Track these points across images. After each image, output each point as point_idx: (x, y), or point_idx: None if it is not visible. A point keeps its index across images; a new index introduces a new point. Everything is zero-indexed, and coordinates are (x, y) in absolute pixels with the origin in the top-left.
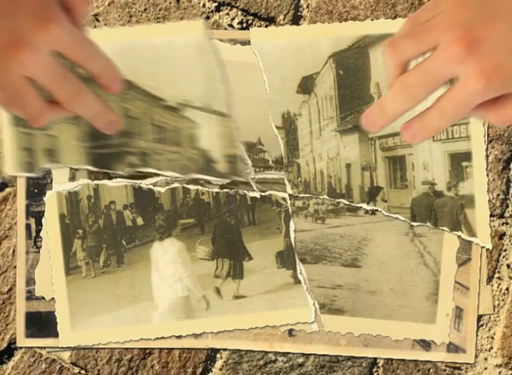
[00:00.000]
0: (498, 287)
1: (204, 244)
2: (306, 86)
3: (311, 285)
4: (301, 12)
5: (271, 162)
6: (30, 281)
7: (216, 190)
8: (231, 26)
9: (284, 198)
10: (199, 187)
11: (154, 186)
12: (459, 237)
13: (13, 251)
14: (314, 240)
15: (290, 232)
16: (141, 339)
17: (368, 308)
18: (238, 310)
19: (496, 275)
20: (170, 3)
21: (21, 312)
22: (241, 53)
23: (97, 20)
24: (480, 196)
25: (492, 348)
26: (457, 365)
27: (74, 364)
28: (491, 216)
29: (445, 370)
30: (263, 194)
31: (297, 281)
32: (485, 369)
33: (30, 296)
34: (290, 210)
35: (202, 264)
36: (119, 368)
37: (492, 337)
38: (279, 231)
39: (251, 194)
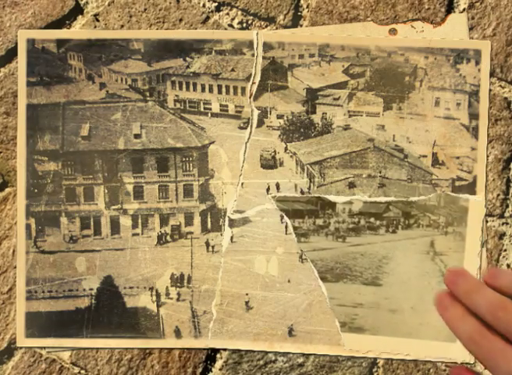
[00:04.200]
0: None
1: None
2: None
3: (332, 303)
4: (301, 12)
5: None
6: (30, 281)
7: None
8: (231, 26)
9: None
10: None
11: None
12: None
13: (13, 251)
14: (335, 258)
15: None
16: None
17: (388, 326)
18: None
19: None
20: (170, 3)
21: (21, 312)
22: None
23: (97, 20)
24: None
25: None
26: (457, 365)
27: (74, 364)
28: (491, 215)
29: (445, 370)
30: None
31: None
32: (485, 368)
33: (30, 296)
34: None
35: None
36: (119, 368)
37: None
38: None
39: None
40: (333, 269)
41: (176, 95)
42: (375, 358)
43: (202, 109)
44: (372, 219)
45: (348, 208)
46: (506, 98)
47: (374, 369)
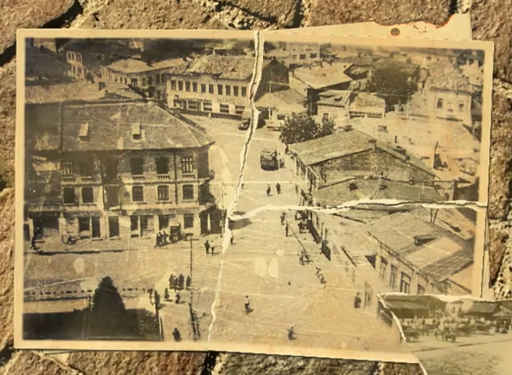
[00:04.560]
0: (500, 290)
1: None
2: None
3: None
4: (303, 11)
5: None
6: (28, 282)
7: None
8: (232, 25)
9: None
10: None
11: None
12: None
13: (11, 252)
14: (445, 358)
15: None
16: None
17: None
18: None
19: (499, 278)
20: (170, 2)
21: (19, 313)
22: None
23: (97, 19)
24: None
25: None
26: None
27: (72, 366)
28: (493, 218)
29: None
30: None
31: None
32: None
33: (28, 298)
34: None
35: None
36: (117, 370)
37: None
38: None
39: None
40: (443, 369)
41: (176, 95)
42: (376, 362)
43: (202, 110)
44: (482, 319)
45: (458, 308)
46: (509, 100)
47: (375, 373)
